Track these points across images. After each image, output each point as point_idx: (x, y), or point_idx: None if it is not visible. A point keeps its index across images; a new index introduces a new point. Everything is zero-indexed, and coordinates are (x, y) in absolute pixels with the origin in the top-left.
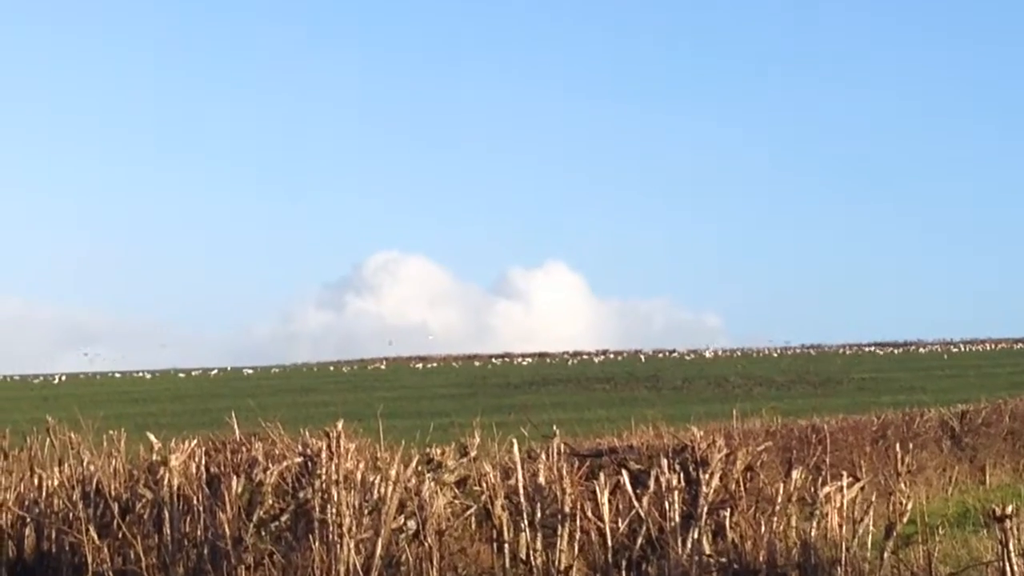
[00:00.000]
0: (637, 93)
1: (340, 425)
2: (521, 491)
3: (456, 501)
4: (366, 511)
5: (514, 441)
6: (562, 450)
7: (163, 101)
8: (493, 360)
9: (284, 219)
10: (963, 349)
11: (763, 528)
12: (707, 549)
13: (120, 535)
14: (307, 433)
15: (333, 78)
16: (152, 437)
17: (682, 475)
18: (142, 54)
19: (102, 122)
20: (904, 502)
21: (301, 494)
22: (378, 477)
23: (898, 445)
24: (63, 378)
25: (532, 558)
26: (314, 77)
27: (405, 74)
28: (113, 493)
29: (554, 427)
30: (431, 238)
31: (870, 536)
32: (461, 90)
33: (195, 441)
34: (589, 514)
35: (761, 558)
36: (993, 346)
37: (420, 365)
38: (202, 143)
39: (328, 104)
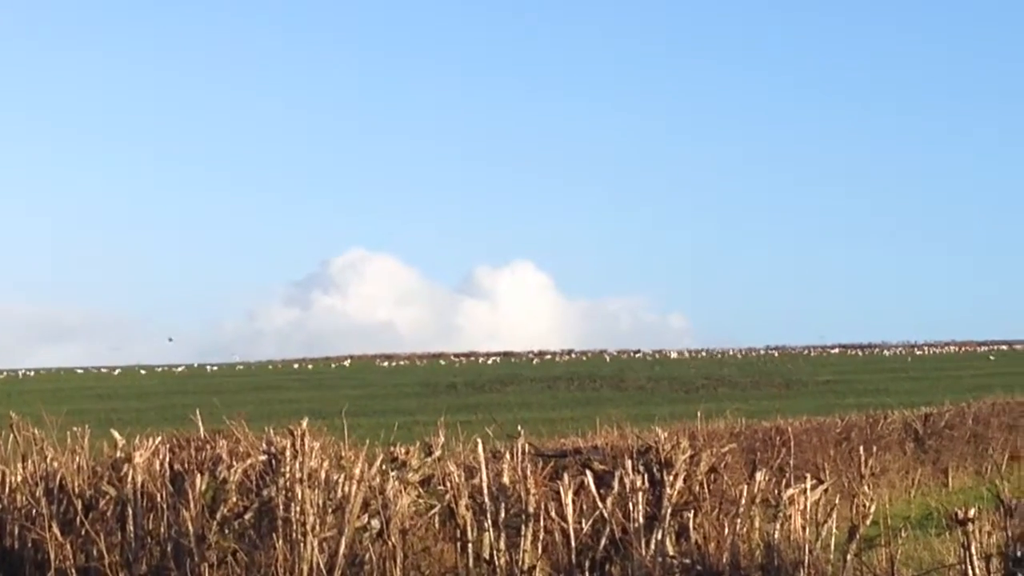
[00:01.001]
0: (606, 92)
1: (305, 423)
2: (485, 491)
3: (420, 500)
4: (330, 510)
5: (479, 440)
6: (526, 450)
7: (132, 99)
8: (458, 359)
9: (252, 216)
10: (927, 352)
11: (726, 530)
12: (670, 550)
13: (83, 532)
14: (271, 431)
15: (303, 78)
16: (116, 434)
17: (646, 476)
18: (108, 52)
19: (70, 120)
20: (867, 504)
21: (265, 492)
22: (342, 476)
23: (862, 447)
24: (29, 373)
25: (496, 558)
26: (285, 77)
27: (374, 74)
28: (76, 490)
29: (519, 427)
30: (398, 237)
31: (833, 538)
32: (429, 90)
33: (159, 438)
34: (553, 514)
35: (724, 559)
36: (957, 349)
37: (386, 363)
38: (171, 141)
39: (298, 103)
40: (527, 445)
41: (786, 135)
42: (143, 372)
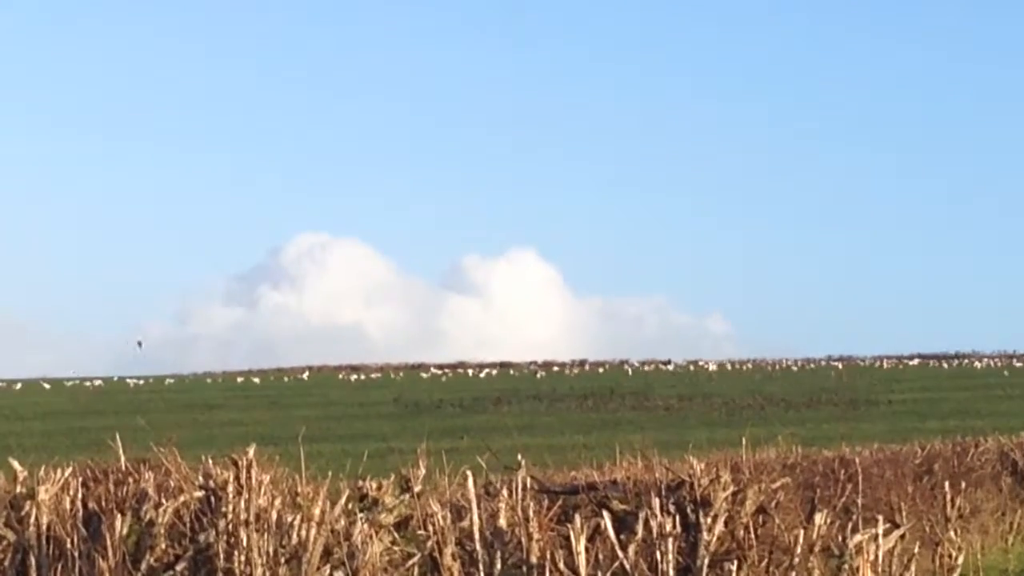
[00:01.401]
0: (625, 48)
1: (251, 451)
2: (477, 536)
3: (395, 548)
4: (283, 559)
5: (468, 474)
6: (529, 485)
7: (35, 61)
8: (443, 371)
9: (183, 194)
10: None
11: None
12: None
13: None
14: (210, 461)
15: (248, 27)
16: (16, 464)
17: (678, 518)
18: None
19: None
20: (954, 554)
21: (202, 537)
22: (298, 517)
23: (947, 483)
24: None
25: None
26: (226, 26)
27: (335, 22)
28: None
29: (519, 456)
30: (368, 219)
31: None
32: (406, 43)
33: (70, 469)
34: (561, 565)
35: None
36: None
37: (353, 376)
38: (86, 104)
39: (240, 57)
40: (529, 479)
41: (861, 105)
42: (47, 386)
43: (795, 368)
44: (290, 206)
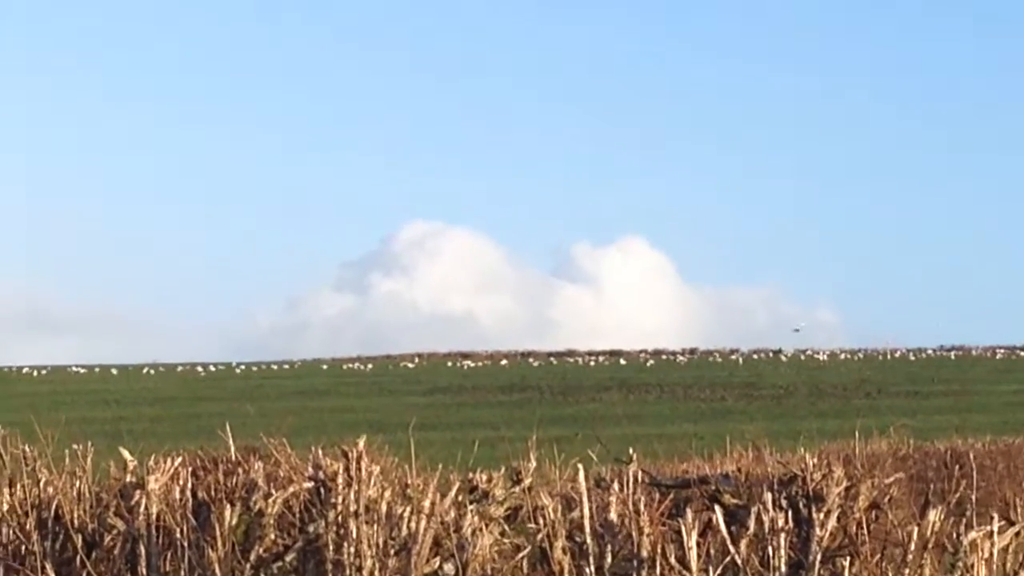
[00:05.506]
0: (740, 41)
1: (362, 441)
2: (587, 529)
3: (505, 540)
4: (392, 551)
5: (579, 466)
6: (640, 478)
7: (141, 41)
8: (553, 359)
9: (293, 180)
10: None
11: None
12: None
13: (84, 574)
14: (320, 451)
15: (357, 12)
16: (126, 452)
17: (790, 513)
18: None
19: (64, 69)
20: None
21: (311, 528)
22: (408, 508)
23: None
24: (12, 370)
25: None
26: (336, 18)
27: (450, 7)
28: (76, 522)
29: (629, 449)
30: (479, 206)
31: None
32: (515, 27)
33: (179, 458)
34: (672, 560)
35: None
36: None
37: (463, 364)
38: (189, 86)
39: (351, 43)
40: (640, 472)
41: (962, 83)
42: (151, 372)
43: (912, 358)
44: (402, 194)
